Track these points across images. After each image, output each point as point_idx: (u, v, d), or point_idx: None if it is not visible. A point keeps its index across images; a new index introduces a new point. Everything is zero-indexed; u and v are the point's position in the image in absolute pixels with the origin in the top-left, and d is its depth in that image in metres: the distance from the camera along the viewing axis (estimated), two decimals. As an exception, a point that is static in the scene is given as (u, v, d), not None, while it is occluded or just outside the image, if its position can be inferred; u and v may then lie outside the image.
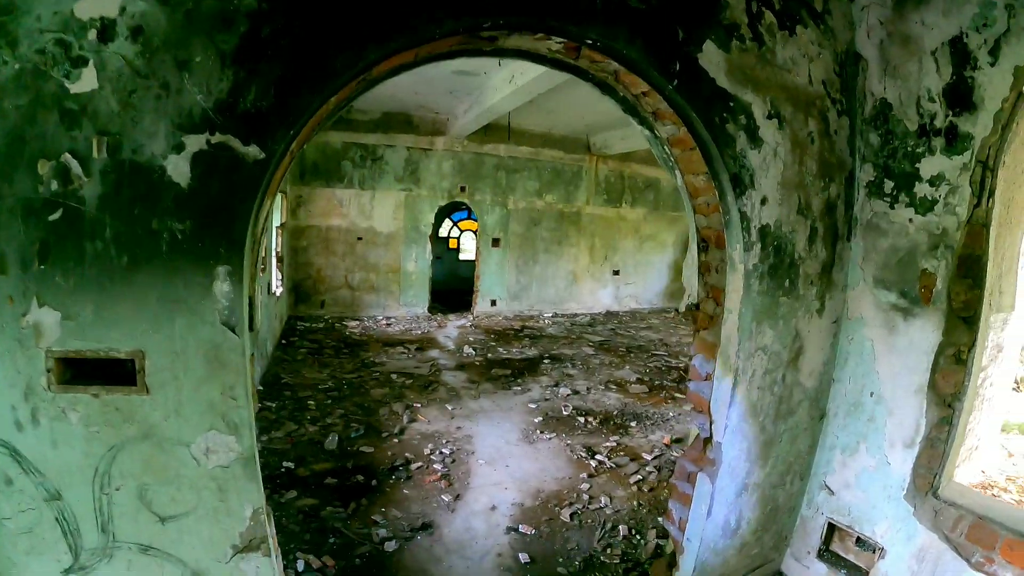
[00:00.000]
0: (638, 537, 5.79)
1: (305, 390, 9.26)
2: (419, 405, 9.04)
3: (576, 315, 17.52)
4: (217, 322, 2.56)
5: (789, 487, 4.11)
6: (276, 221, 12.25)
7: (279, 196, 12.23)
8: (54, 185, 2.28)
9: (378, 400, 9.14)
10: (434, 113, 14.43)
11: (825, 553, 4.18)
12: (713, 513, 3.55)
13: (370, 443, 7.57)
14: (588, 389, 10.40)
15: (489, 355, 12.31)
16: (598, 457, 7.58)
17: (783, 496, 4.09)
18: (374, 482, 6.55)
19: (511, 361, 11.92)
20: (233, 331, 2.58)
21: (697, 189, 3.58)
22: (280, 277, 12.59)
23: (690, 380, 3.61)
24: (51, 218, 2.32)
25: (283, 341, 12.03)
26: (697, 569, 3.68)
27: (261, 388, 9.03)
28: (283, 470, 6.67)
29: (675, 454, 7.79)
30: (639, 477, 7.08)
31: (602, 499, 6.49)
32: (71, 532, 2.70)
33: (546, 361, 12.05)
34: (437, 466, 7.05)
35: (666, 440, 8.30)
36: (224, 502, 2.82)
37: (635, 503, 6.48)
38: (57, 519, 2.66)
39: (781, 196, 3.49)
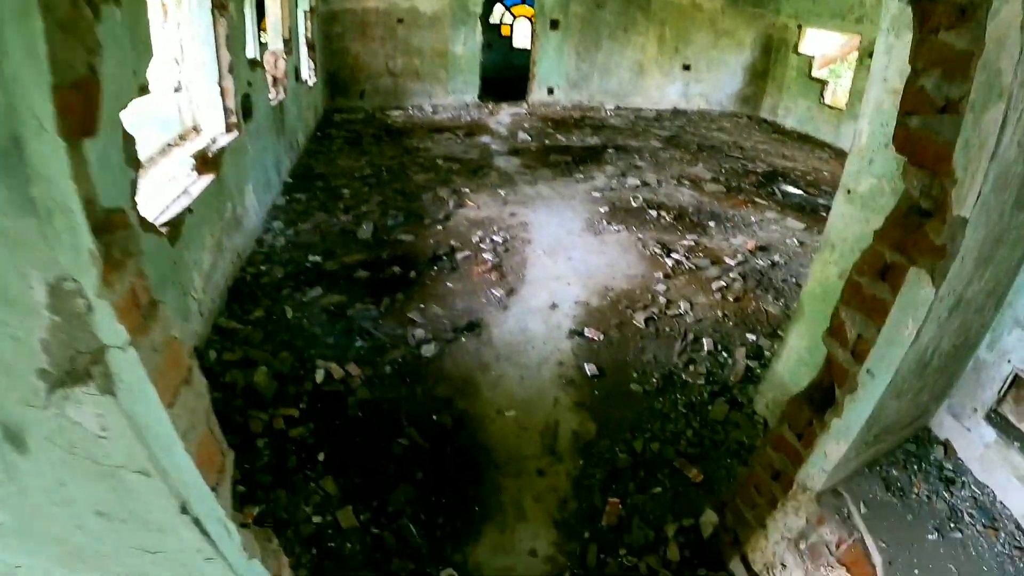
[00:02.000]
0: (724, 355, 4.75)
1: (339, 179, 8.18)
2: (467, 190, 7.92)
3: (640, 109, 15.79)
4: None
5: (985, 314, 2.89)
6: (305, 4, 10.72)
7: None
8: None
9: (421, 185, 8.02)
10: None
11: (996, 416, 3.00)
12: (921, 335, 2.29)
13: (410, 231, 6.54)
14: (659, 182, 9.10)
15: (547, 142, 11.00)
16: (674, 256, 6.44)
17: (975, 326, 2.87)
18: (412, 274, 5.57)
19: (571, 148, 10.59)
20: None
21: None
22: (312, 66, 11.19)
23: (909, 111, 2.16)
24: None
25: (318, 133, 10.83)
26: (870, 421, 2.49)
27: (290, 180, 7.96)
28: (309, 265, 5.71)
29: (760, 263, 6.61)
30: (722, 284, 5.95)
31: (681, 304, 5.41)
32: None
33: (610, 151, 10.69)
34: (487, 255, 6.02)
35: (750, 246, 7.09)
36: None
37: (719, 313, 5.41)
38: None
39: None
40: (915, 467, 2.99)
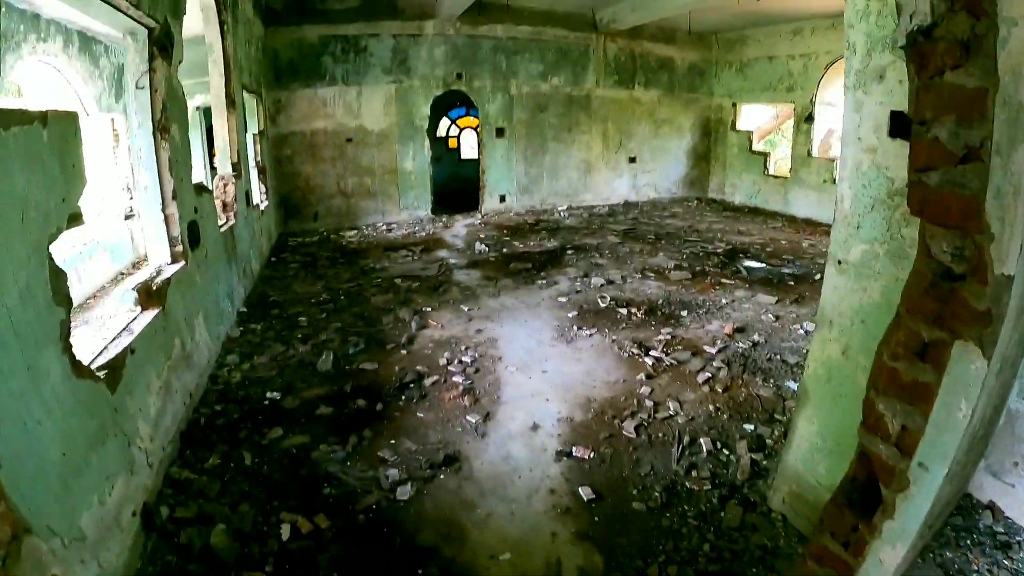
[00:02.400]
0: (726, 452, 4.43)
1: (296, 306, 7.83)
2: (429, 309, 7.61)
3: (593, 207, 15.92)
4: None
5: (1016, 364, 2.66)
6: (253, 128, 10.74)
7: (252, 100, 10.65)
8: None
9: (381, 308, 7.70)
10: None
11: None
12: (976, 415, 1.99)
13: (373, 358, 6.17)
14: (623, 278, 8.95)
15: (505, 250, 10.83)
16: (653, 353, 6.17)
17: (1007, 377, 2.64)
18: (379, 406, 5.17)
19: (530, 254, 10.44)
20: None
21: None
22: (264, 189, 11.04)
23: (922, 167, 1.89)
24: None
25: (273, 258, 10.55)
26: (928, 517, 2.16)
27: (244, 310, 7.60)
28: (266, 403, 5.29)
29: (741, 346, 6.42)
30: (707, 375, 5.69)
31: (670, 405, 5.10)
32: None
33: (569, 252, 10.57)
34: (457, 378, 5.65)
35: (727, 329, 6.90)
36: None
37: (711, 407, 5.12)
38: None
39: None
40: (967, 542, 2.71)
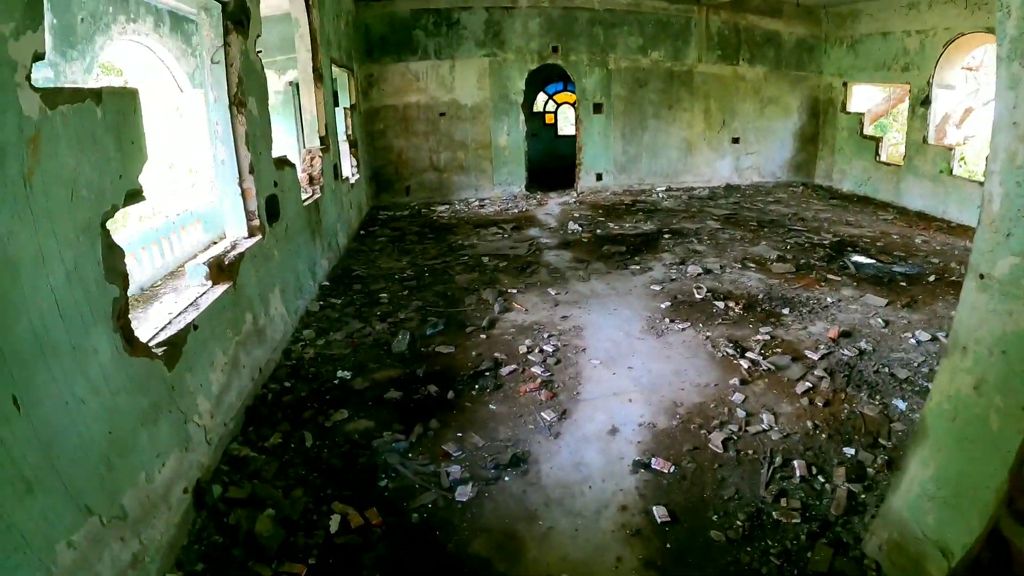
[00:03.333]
0: (821, 479, 3.93)
1: (379, 281, 7.71)
2: (515, 291, 7.32)
3: (692, 188, 15.17)
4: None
5: None
6: (345, 102, 10.77)
7: (344, 75, 10.64)
8: None
9: (464, 287, 7.48)
10: None
11: None
12: None
13: (450, 341, 5.94)
14: (722, 267, 8.39)
15: (598, 231, 10.40)
16: (749, 355, 5.66)
17: None
18: (450, 394, 4.93)
19: (625, 237, 9.97)
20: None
21: None
22: (355, 163, 11.02)
23: None
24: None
25: (361, 232, 10.52)
26: None
27: (327, 284, 7.53)
28: (336, 382, 5.14)
29: (846, 353, 5.82)
30: (807, 385, 5.14)
31: (764, 417, 4.62)
32: None
33: (666, 236, 10.03)
34: (536, 369, 5.33)
35: (832, 333, 6.28)
36: None
37: (809, 424, 4.59)
38: None
39: None
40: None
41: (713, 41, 14.79)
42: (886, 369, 5.50)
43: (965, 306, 2.77)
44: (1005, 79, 2.44)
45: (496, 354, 5.59)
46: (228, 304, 4.48)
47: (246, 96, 5.13)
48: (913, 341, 6.15)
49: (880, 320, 6.64)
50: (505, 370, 5.29)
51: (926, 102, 13.08)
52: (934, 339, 6.25)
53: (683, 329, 6.21)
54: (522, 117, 13.60)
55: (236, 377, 4.44)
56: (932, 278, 8.63)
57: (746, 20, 14.98)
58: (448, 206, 12.80)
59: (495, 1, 12.77)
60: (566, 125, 19.29)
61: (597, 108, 14.02)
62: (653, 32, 14.16)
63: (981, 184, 11.37)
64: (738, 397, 4.91)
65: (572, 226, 10.55)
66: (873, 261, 9.11)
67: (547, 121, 19.22)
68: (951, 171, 12.71)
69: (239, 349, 4.59)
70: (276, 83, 11.28)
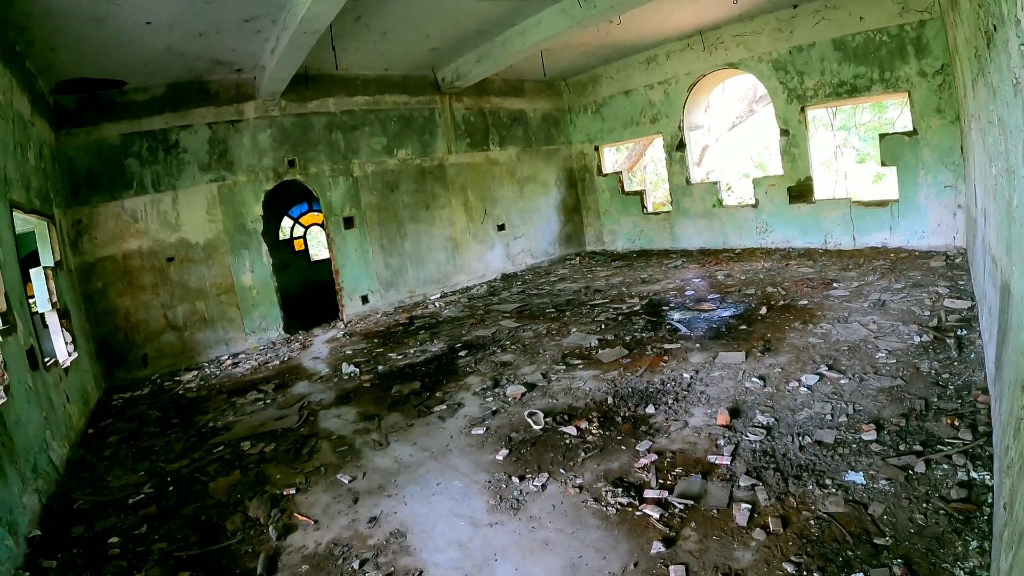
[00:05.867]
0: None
1: (107, 515, 5.10)
2: (294, 490, 5.01)
3: (469, 288, 13.80)
4: None
5: None
6: (47, 260, 8.19)
7: (44, 224, 8.10)
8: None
9: (223, 502, 5.07)
10: (235, 71, 10.47)
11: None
12: None
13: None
14: (544, 376, 6.80)
15: (380, 367, 8.32)
16: (650, 495, 3.96)
17: None
18: None
19: (414, 368, 8.00)
20: None
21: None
22: (70, 338, 8.06)
23: None
24: None
25: (90, 431, 7.61)
26: None
27: (38, 534, 4.74)
28: None
29: (751, 438, 4.58)
30: (745, 509, 3.66)
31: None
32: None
33: (462, 354, 8.24)
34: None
35: (722, 419, 4.97)
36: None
37: (790, 570, 3.11)
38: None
39: None
40: None
41: (460, 129, 14.04)
42: (807, 439, 4.45)
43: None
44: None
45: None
46: None
47: None
48: (803, 390, 5.29)
49: (755, 380, 5.65)
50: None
51: (681, 146, 13.40)
52: (820, 377, 5.55)
53: (542, 485, 4.36)
54: (265, 248, 11.28)
55: None
56: (763, 310, 8.04)
57: (490, 103, 14.58)
58: (196, 372, 10.01)
59: (218, 115, 10.71)
60: (319, 249, 17.30)
61: (348, 222, 12.18)
62: (397, 129, 12.96)
63: (754, 206, 11.60)
64: (678, 572, 3.13)
65: (347, 368, 8.37)
66: (695, 314, 8.41)
67: (297, 248, 17.07)
68: (722, 203, 13.56)
69: None
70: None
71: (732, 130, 18.84)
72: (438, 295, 13.27)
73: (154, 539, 4.58)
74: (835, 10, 10.65)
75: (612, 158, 17.41)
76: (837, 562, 3.11)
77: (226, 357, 10.66)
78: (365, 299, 12.39)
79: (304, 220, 16.89)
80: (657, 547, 3.41)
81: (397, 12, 8.83)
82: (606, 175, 15.82)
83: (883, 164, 10.72)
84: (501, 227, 14.85)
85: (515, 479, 4.50)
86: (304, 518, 4.52)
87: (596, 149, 15.74)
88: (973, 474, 3.67)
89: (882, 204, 10.87)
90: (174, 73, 9.88)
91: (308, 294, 15.41)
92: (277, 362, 9.73)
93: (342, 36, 9.21)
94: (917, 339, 6.10)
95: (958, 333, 6.05)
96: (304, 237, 17.17)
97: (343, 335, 10.89)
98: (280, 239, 16.36)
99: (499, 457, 4.93)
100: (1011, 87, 2.83)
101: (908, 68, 9.95)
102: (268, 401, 7.66)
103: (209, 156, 10.73)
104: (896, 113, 17.89)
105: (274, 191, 11.45)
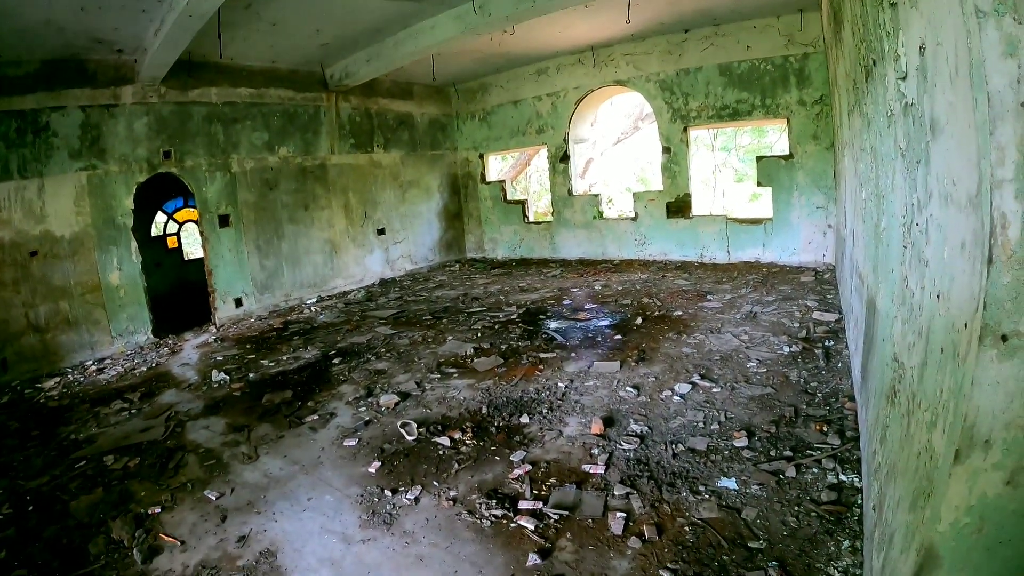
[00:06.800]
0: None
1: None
2: (159, 509, 4.72)
3: (346, 293, 13.50)
4: None
5: None
6: None
7: None
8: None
9: (86, 523, 4.70)
10: (116, 51, 9.72)
11: None
12: None
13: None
14: (419, 385, 6.75)
15: (251, 375, 8.01)
16: (525, 506, 4.01)
17: None
18: None
19: (287, 376, 7.75)
20: None
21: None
22: None
23: None
24: None
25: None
26: None
27: None
28: None
29: (625, 446, 4.70)
30: (620, 517, 3.77)
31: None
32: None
33: (336, 362, 8.07)
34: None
35: (596, 428, 5.10)
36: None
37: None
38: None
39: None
40: None
41: (345, 129, 13.70)
42: (680, 446, 4.60)
43: (983, 386, 1.53)
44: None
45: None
46: None
47: None
48: (677, 398, 5.49)
49: (630, 389, 5.83)
50: None
51: (565, 158, 13.66)
52: (693, 386, 5.81)
53: (416, 500, 4.32)
54: (135, 244, 10.51)
55: None
56: (639, 320, 8.27)
57: (377, 105, 14.33)
58: (59, 378, 9.17)
59: (93, 98, 9.88)
60: (194, 247, 16.40)
61: (224, 221, 11.61)
62: (280, 125, 12.48)
63: (634, 219, 12.09)
64: (552, 588, 3.19)
65: (217, 375, 7.99)
66: (571, 322, 8.56)
67: (170, 245, 16.00)
68: (603, 215, 13.97)
69: None
70: None
71: (617, 145, 19.47)
72: (314, 299, 12.90)
73: (14, 565, 4.20)
74: (724, 37, 11.24)
75: (497, 166, 17.61)
76: (713, 567, 3.25)
77: (91, 362, 9.88)
78: (239, 302, 11.86)
79: (179, 216, 15.89)
80: (533, 559, 3.45)
81: (290, 2, 8.58)
82: (490, 183, 15.96)
83: (759, 184, 11.38)
84: (381, 231, 14.61)
85: (388, 492, 4.44)
86: (170, 539, 4.27)
87: (481, 157, 15.84)
88: (842, 477, 3.94)
89: (757, 222, 11.55)
90: (51, 49, 9.10)
91: (180, 295, 14.49)
92: (144, 368, 9.16)
93: (231, 24, 8.82)
94: (787, 349, 6.51)
95: (826, 344, 6.50)
96: (178, 234, 16.16)
97: (215, 340, 10.39)
98: (152, 235, 15.32)
99: (371, 470, 4.84)
100: (885, 118, 3.06)
101: (789, 97, 10.65)
102: (134, 411, 7.18)
103: (81, 142, 9.91)
104: (775, 138, 18.86)
105: (147, 183, 10.75)
